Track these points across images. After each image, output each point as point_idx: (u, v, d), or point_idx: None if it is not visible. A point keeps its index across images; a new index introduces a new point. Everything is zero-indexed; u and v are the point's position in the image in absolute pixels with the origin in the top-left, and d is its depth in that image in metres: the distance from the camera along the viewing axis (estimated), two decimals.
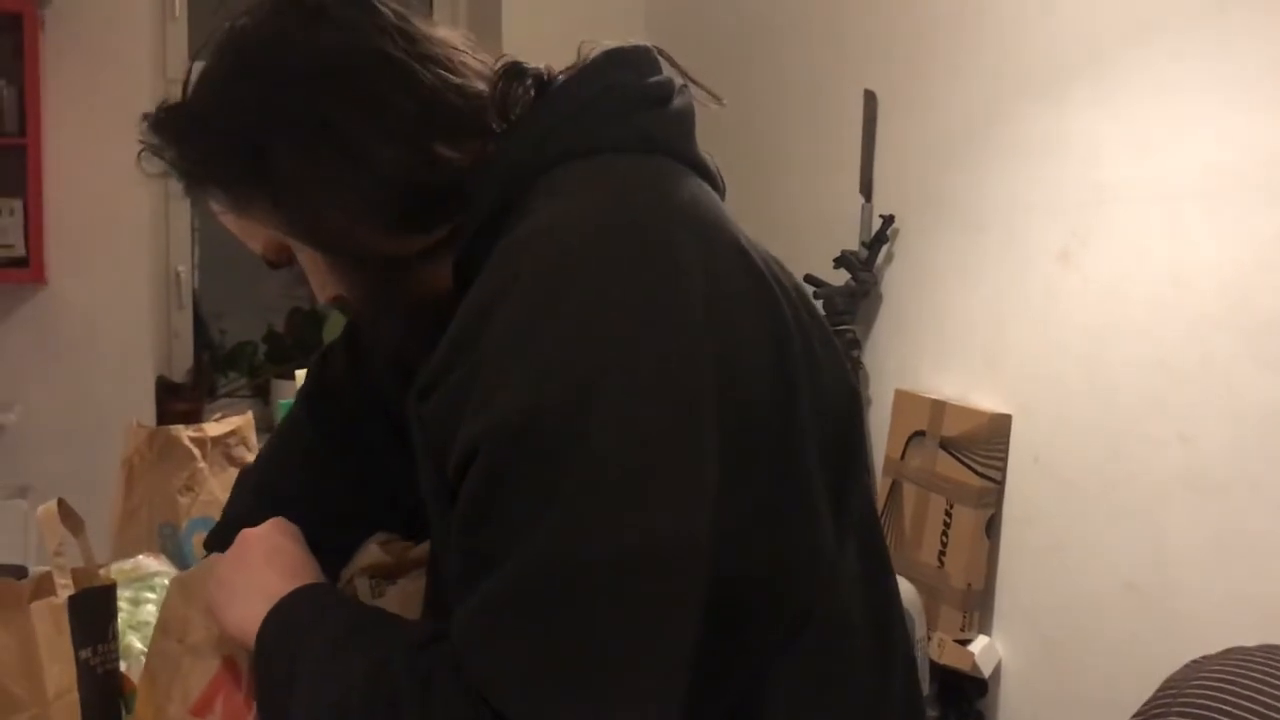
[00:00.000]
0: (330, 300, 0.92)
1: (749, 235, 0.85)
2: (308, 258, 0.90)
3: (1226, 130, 1.84)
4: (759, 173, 3.00)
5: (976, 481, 2.28)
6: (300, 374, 1.28)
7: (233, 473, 1.46)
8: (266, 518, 0.98)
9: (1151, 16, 1.97)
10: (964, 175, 2.40)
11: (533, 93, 0.86)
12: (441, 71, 0.84)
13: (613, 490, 0.70)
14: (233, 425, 1.57)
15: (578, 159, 0.82)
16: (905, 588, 2.25)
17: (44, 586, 1.03)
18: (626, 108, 0.84)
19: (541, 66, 0.87)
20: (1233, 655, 0.88)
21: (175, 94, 0.89)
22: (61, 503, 1.10)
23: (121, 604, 1.13)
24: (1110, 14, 2.05)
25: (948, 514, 2.35)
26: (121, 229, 3.23)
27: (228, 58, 0.86)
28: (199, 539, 1.33)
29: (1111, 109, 2.04)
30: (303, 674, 0.81)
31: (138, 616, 1.18)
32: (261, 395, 3.62)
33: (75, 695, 1.00)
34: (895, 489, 2.52)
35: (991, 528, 2.30)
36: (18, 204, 3.08)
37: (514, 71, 0.86)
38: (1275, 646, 0.88)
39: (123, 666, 1.07)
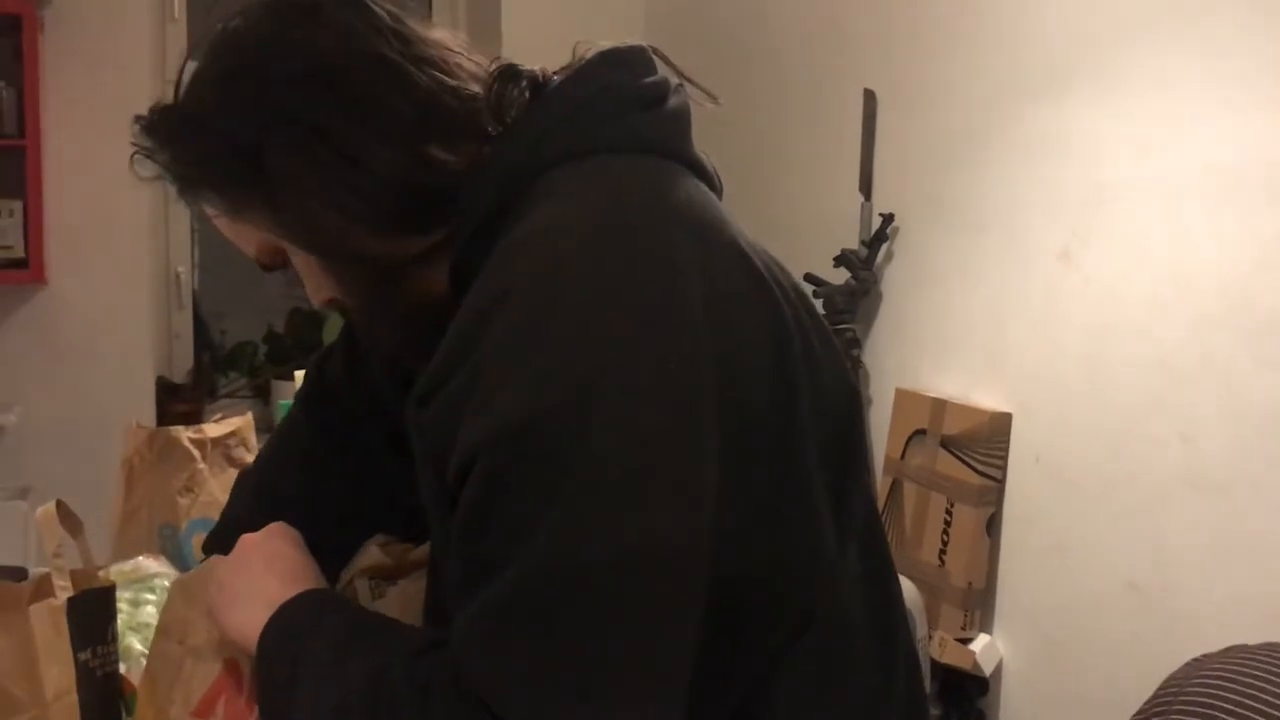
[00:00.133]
0: (325, 303, 0.91)
1: (747, 235, 0.85)
2: (302, 261, 0.90)
3: (1227, 129, 1.83)
4: (759, 171, 3.00)
5: (977, 480, 2.28)
6: (300, 374, 1.28)
7: (232, 474, 1.46)
8: (265, 520, 0.98)
9: (1151, 15, 1.97)
10: (964, 174, 2.40)
11: (528, 94, 0.85)
12: (437, 73, 0.84)
13: (613, 491, 0.70)
14: (232, 426, 1.57)
15: (574, 160, 0.81)
16: (906, 586, 2.24)
17: (43, 588, 1.02)
18: (622, 108, 0.84)
19: (536, 68, 0.87)
20: (1234, 653, 0.88)
21: (169, 95, 0.88)
22: (60, 504, 1.10)
23: (121, 605, 1.13)
24: (1110, 12, 2.05)
25: (948, 513, 2.35)
26: (121, 230, 3.23)
27: (222, 58, 0.85)
28: (199, 540, 1.32)
29: (1112, 108, 2.04)
30: (304, 679, 0.81)
31: (138, 618, 1.18)
32: (262, 396, 3.62)
33: (74, 697, 1.00)
34: (896, 488, 2.52)
35: (992, 526, 2.30)
36: (17, 205, 3.08)
37: (508, 73, 0.85)
38: (1277, 645, 0.88)
39: (122, 668, 1.07)
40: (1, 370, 3.17)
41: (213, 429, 1.55)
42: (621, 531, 0.70)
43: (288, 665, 0.82)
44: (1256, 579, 1.78)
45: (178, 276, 3.56)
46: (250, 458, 1.54)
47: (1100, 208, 2.07)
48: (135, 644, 1.12)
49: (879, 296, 2.67)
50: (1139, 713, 0.86)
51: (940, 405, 2.40)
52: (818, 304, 2.58)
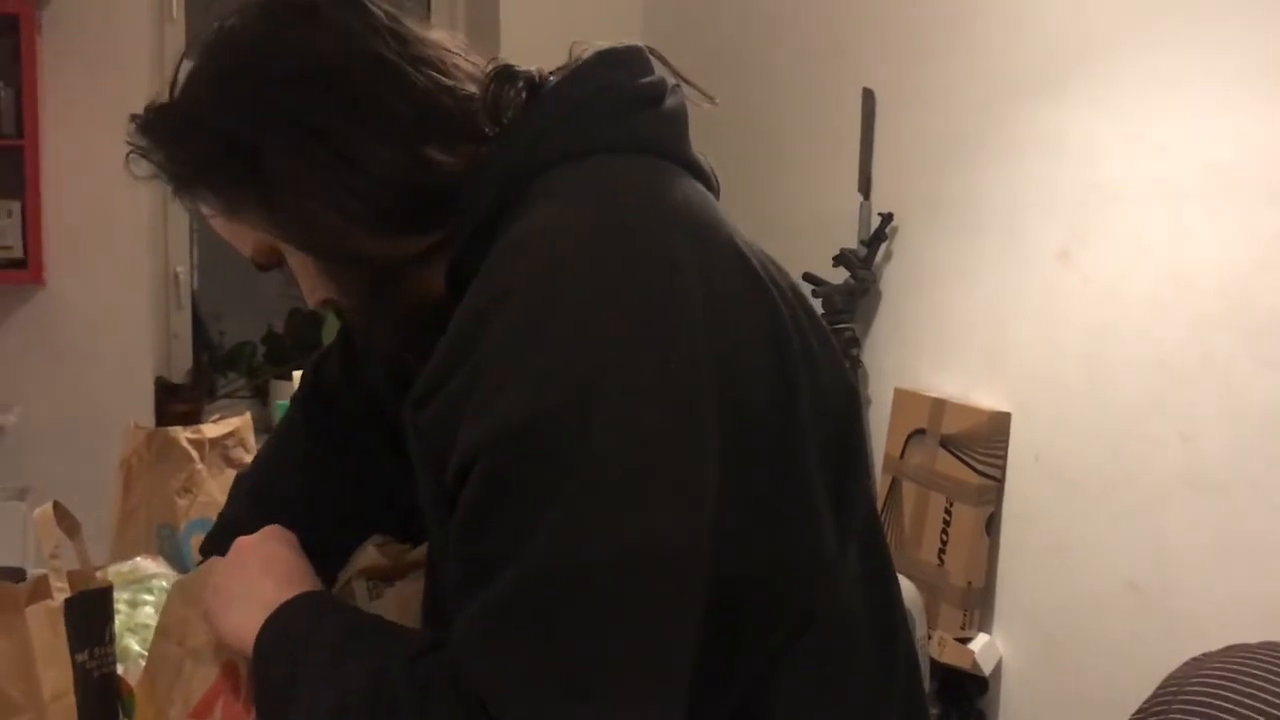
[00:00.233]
0: (320, 303, 0.91)
1: (745, 234, 0.85)
2: (298, 261, 0.89)
3: (1225, 128, 1.83)
4: (758, 171, 3.00)
5: (976, 479, 2.28)
6: (298, 375, 1.28)
7: (230, 474, 1.46)
8: (263, 521, 0.98)
9: (1149, 13, 1.96)
10: (963, 173, 2.40)
11: (524, 95, 0.85)
12: (434, 74, 0.84)
13: (614, 490, 0.70)
14: (231, 427, 1.57)
15: (571, 160, 0.81)
16: (905, 586, 2.24)
17: (40, 590, 1.02)
18: (619, 109, 0.84)
19: (533, 69, 0.86)
20: (1234, 653, 0.88)
21: (165, 95, 0.88)
22: (57, 505, 1.10)
23: (119, 606, 1.13)
24: (1107, 11, 2.05)
25: (947, 512, 2.35)
26: (120, 230, 3.23)
27: (218, 58, 0.85)
28: (197, 540, 1.32)
29: (1110, 107, 2.04)
30: (302, 682, 0.80)
31: (136, 619, 1.18)
32: (261, 396, 3.62)
33: (72, 699, 1.00)
34: (895, 487, 2.52)
35: (991, 526, 2.30)
36: (16, 205, 3.08)
37: (505, 74, 0.85)
38: (1277, 644, 0.88)
39: (120, 669, 1.06)
40: (0, 371, 3.17)
41: (211, 429, 1.55)
42: (622, 531, 0.70)
43: (285, 668, 0.82)
44: (1256, 579, 1.78)
45: (176, 277, 3.56)
46: (248, 458, 1.54)
47: (1099, 207, 2.07)
48: (133, 645, 1.12)
49: (878, 296, 2.67)
50: (1138, 712, 0.86)
51: (939, 405, 2.40)
52: (817, 303, 2.58)
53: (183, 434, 1.51)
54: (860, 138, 2.67)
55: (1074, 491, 2.12)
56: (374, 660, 0.77)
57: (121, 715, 1.05)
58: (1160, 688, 0.87)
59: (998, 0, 2.32)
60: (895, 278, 2.63)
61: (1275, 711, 0.79)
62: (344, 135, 0.81)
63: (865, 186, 2.67)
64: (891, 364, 2.63)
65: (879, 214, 2.61)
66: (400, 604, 1.01)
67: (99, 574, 1.12)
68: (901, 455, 2.50)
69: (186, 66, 0.87)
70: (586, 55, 0.86)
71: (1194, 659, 0.90)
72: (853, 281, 2.63)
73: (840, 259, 2.64)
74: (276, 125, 0.82)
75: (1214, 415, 1.85)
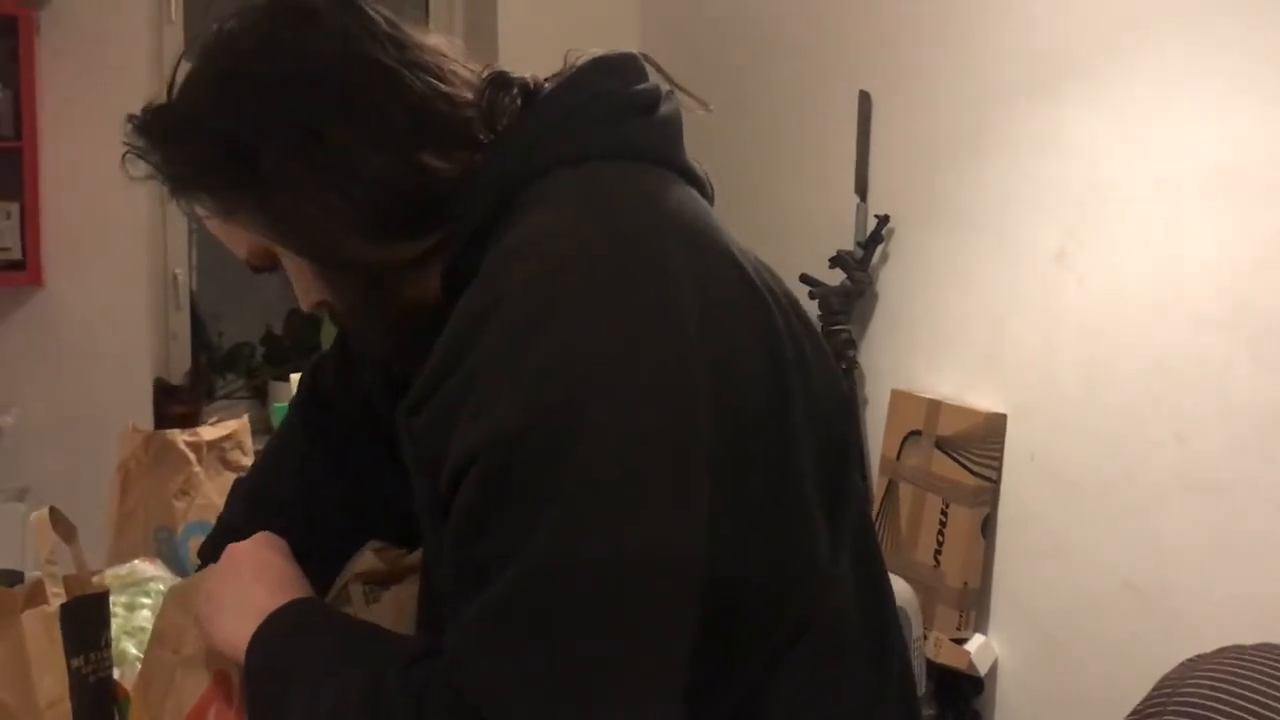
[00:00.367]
0: (314, 306, 0.91)
1: (739, 240, 0.85)
2: (293, 264, 0.89)
3: (1223, 127, 1.83)
4: (754, 173, 3.00)
5: (972, 481, 2.29)
6: (297, 377, 1.28)
7: (228, 477, 1.46)
8: (260, 526, 0.98)
9: (1146, 13, 1.97)
10: (959, 174, 2.40)
11: (519, 102, 0.85)
12: (431, 79, 0.84)
13: (610, 493, 0.70)
14: (228, 429, 1.57)
15: (566, 167, 0.81)
16: (901, 587, 2.25)
17: (36, 595, 1.02)
18: (614, 115, 0.84)
19: (528, 75, 0.87)
20: (1229, 654, 0.88)
21: (163, 96, 0.88)
22: (53, 510, 1.10)
23: (116, 609, 1.13)
24: (1104, 11, 2.05)
25: (943, 513, 2.35)
26: (119, 231, 3.23)
27: (217, 60, 0.85)
28: (195, 543, 1.32)
29: (1106, 107, 2.04)
30: (295, 690, 0.80)
31: (133, 622, 1.18)
32: (259, 397, 3.61)
33: (68, 705, 1.00)
34: (891, 488, 2.52)
35: (987, 527, 2.30)
36: (14, 207, 3.08)
37: (500, 81, 0.85)
38: (1273, 645, 0.88)
39: (116, 673, 1.06)
40: None
41: (208, 432, 1.55)
42: (622, 530, 0.70)
43: (277, 676, 0.82)
44: (1254, 579, 1.78)
45: (175, 278, 3.55)
46: (246, 461, 1.54)
47: (1095, 207, 2.07)
48: (130, 648, 1.12)
49: (874, 297, 2.67)
50: (1133, 714, 0.86)
51: (935, 406, 2.40)
52: (813, 305, 2.59)
53: (180, 437, 1.51)
54: (856, 140, 2.67)
55: (1070, 492, 2.13)
56: (367, 668, 0.77)
57: (117, 719, 1.05)
58: (1155, 689, 0.87)
59: (993, 2, 2.32)
60: (891, 279, 2.63)
61: (1269, 714, 0.79)
62: (340, 139, 0.81)
63: (861, 188, 2.67)
64: (888, 365, 2.63)
65: (875, 216, 2.61)
66: (396, 608, 1.01)
67: (95, 578, 1.12)
68: (898, 456, 2.50)
69: (185, 68, 0.87)
70: (581, 62, 0.86)
71: (1188, 660, 0.90)
72: (849, 283, 2.63)
73: (836, 261, 2.64)
74: (273, 127, 0.82)
75: (1211, 415, 1.85)
